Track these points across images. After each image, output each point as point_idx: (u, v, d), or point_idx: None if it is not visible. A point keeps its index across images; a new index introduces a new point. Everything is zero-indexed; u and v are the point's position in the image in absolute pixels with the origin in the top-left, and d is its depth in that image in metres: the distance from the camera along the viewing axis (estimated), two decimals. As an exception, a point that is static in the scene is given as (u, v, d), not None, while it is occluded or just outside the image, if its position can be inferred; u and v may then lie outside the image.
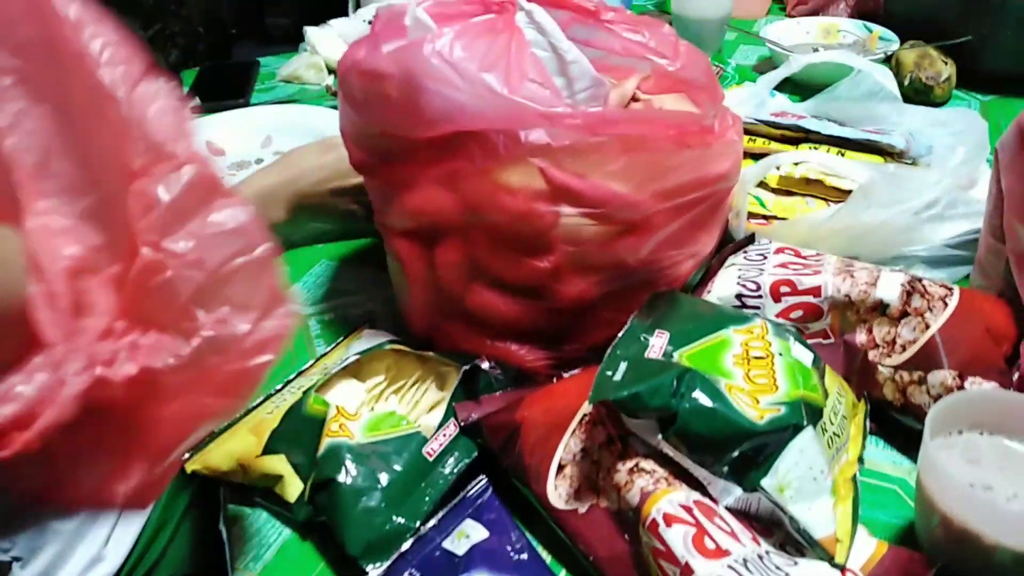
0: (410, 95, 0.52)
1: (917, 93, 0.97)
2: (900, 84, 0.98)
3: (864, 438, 0.52)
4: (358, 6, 1.10)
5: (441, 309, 0.60)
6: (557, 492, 0.47)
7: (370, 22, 1.00)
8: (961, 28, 0.98)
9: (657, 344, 0.51)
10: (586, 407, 0.49)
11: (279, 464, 0.48)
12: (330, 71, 1.10)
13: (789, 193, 0.74)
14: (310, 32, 1.11)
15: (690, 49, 0.57)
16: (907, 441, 0.54)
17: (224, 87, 1.06)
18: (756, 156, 0.78)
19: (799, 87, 0.98)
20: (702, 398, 0.45)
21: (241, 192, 0.71)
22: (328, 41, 1.09)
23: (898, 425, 0.55)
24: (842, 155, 0.75)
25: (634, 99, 0.66)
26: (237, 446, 0.50)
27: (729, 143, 0.59)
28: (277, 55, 1.18)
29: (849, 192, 0.71)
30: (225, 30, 1.98)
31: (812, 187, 0.74)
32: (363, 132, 0.59)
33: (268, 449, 0.49)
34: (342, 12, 1.14)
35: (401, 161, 0.57)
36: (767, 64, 1.09)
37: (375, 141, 0.59)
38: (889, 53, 1.02)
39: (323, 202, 0.74)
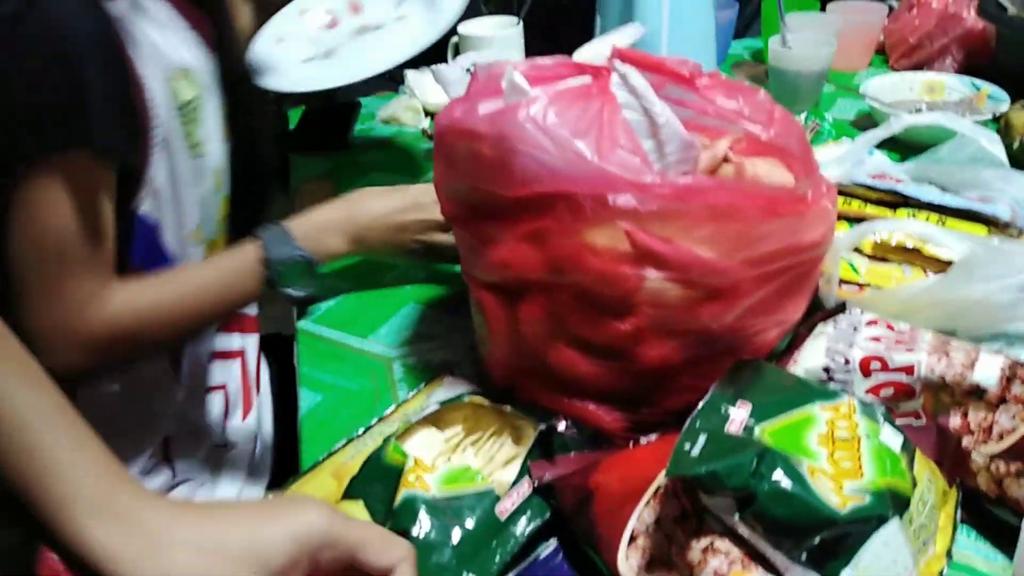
0: (503, 156, 0.54)
1: (1026, 156, 0.93)
2: (1009, 146, 0.94)
3: (954, 529, 0.50)
4: (457, 53, 1.13)
5: (522, 363, 0.60)
6: (628, 563, 0.46)
7: (468, 70, 1.03)
8: (1079, 90, 0.93)
9: (738, 417, 0.51)
10: (661, 478, 0.49)
11: (357, 510, 0.50)
12: (427, 114, 1.14)
13: (884, 260, 0.72)
14: (410, 75, 1.15)
15: (785, 116, 0.57)
16: (1002, 535, 0.51)
17: (327, 129, 1.11)
18: (851, 219, 0.77)
19: (900, 145, 0.95)
20: (782, 480, 0.44)
21: (304, 223, 0.76)
22: (427, 85, 1.13)
23: (992, 517, 0.52)
24: (942, 223, 0.72)
25: (725, 160, 0.65)
26: (319, 489, 0.52)
27: (822, 211, 0.58)
28: (377, 96, 1.22)
29: (948, 262, 0.69)
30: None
31: (909, 255, 0.71)
32: (456, 186, 0.61)
33: (348, 494, 0.51)
34: (442, 58, 1.17)
35: (490, 216, 0.59)
36: (866, 119, 1.06)
37: (467, 195, 0.61)
38: (998, 113, 0.98)
39: (382, 236, 0.77)
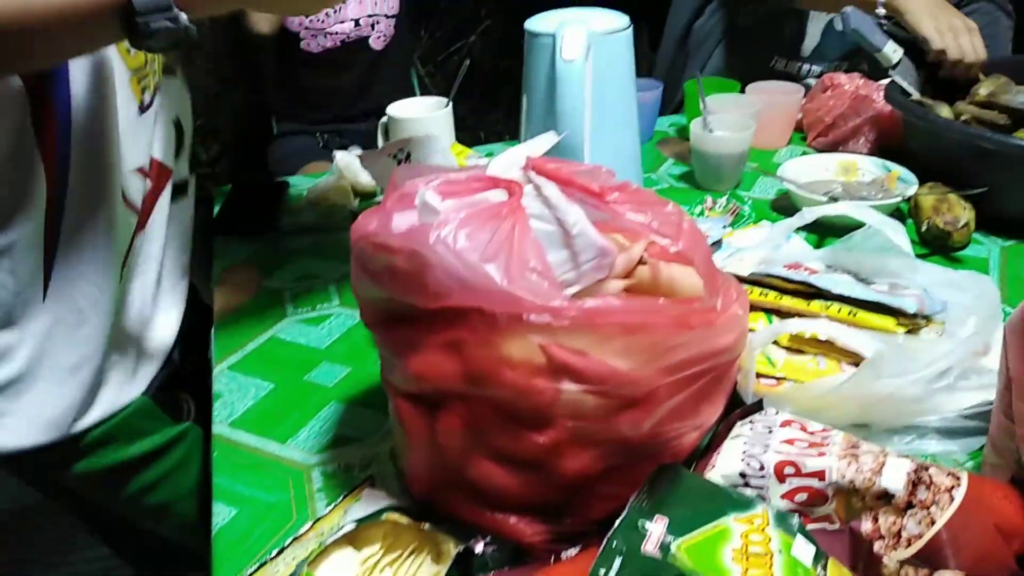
0: (417, 269, 0.54)
1: (935, 238, 0.97)
2: (918, 227, 0.99)
3: (869, 640, 0.50)
4: (387, 138, 1.14)
5: (441, 475, 0.60)
6: None
7: (396, 157, 1.04)
8: (977, 174, 0.98)
9: (656, 532, 0.51)
10: (578, 602, 0.48)
11: (265, 647, 0.48)
12: (356, 194, 1.14)
13: (800, 352, 0.74)
14: (339, 156, 1.15)
15: (692, 230, 0.58)
16: (915, 642, 0.52)
17: (254, 211, 1.10)
18: (768, 311, 0.79)
19: (818, 226, 0.98)
20: (694, 608, 0.44)
21: None
22: (356, 166, 1.13)
23: (906, 623, 0.53)
24: (853, 316, 0.74)
25: (641, 262, 0.66)
26: (225, 625, 0.50)
27: (732, 318, 0.60)
28: (306, 175, 1.22)
29: (860, 354, 0.71)
30: (268, 127, 2.09)
31: (823, 347, 0.73)
32: (373, 293, 0.61)
33: (256, 629, 0.49)
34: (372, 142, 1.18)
35: (408, 324, 0.58)
36: (785, 199, 1.10)
37: (384, 303, 0.60)
38: (908, 195, 1.03)
39: None
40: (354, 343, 0.85)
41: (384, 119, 1.15)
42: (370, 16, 1.93)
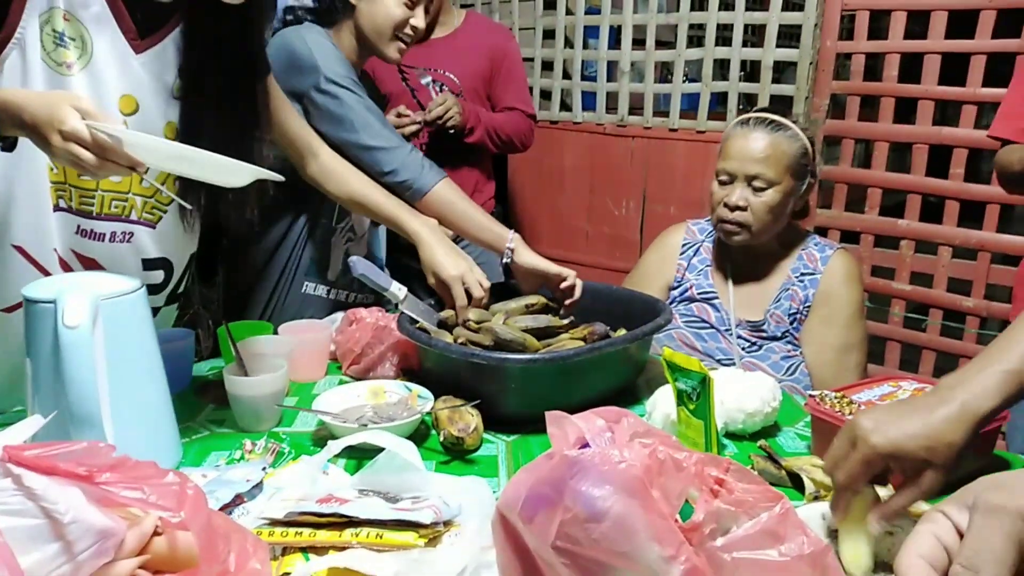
0: None
1: (453, 445, 1.11)
2: (440, 437, 1.12)
3: None
4: None
5: None
6: None
7: None
8: (477, 385, 1.17)
9: None
10: None
11: None
12: None
13: (339, 585, 0.77)
14: None
15: (196, 498, 0.59)
16: None
17: None
18: (304, 549, 0.81)
19: (356, 450, 1.05)
20: None
21: None
22: None
23: None
24: (380, 537, 0.80)
25: (157, 533, 0.64)
26: None
27: (251, 573, 0.61)
28: None
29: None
30: None
31: (358, 574, 0.77)
32: None
33: None
34: None
35: None
36: (324, 430, 1.16)
37: None
38: (427, 410, 1.17)
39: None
40: None
41: None
42: None
